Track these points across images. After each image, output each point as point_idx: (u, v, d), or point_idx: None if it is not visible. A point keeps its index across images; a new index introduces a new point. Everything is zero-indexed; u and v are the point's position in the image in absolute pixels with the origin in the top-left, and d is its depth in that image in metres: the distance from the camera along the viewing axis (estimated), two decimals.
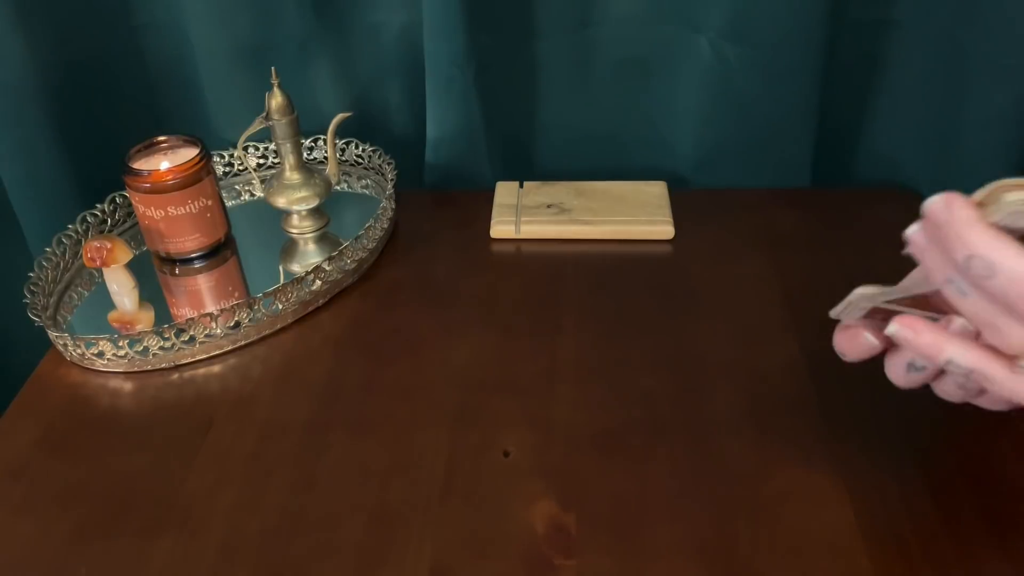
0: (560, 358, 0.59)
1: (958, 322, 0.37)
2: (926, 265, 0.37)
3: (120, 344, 0.59)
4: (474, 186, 0.78)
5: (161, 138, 0.69)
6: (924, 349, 0.38)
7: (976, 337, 0.38)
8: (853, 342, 0.43)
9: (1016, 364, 0.36)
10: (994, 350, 0.37)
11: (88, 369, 0.61)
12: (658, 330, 0.61)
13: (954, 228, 0.34)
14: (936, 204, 0.35)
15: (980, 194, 0.35)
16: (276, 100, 0.68)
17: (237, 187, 0.80)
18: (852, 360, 0.44)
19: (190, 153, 0.67)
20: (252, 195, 0.80)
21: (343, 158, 0.80)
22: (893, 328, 0.38)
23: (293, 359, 0.61)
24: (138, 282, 0.65)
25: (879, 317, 0.43)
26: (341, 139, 0.79)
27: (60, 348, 0.62)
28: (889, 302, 0.41)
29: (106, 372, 0.61)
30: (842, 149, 0.78)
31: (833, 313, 0.44)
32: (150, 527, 0.49)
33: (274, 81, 0.68)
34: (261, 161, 0.81)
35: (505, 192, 0.75)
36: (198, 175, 0.66)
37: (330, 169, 0.73)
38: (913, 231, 0.37)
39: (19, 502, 0.52)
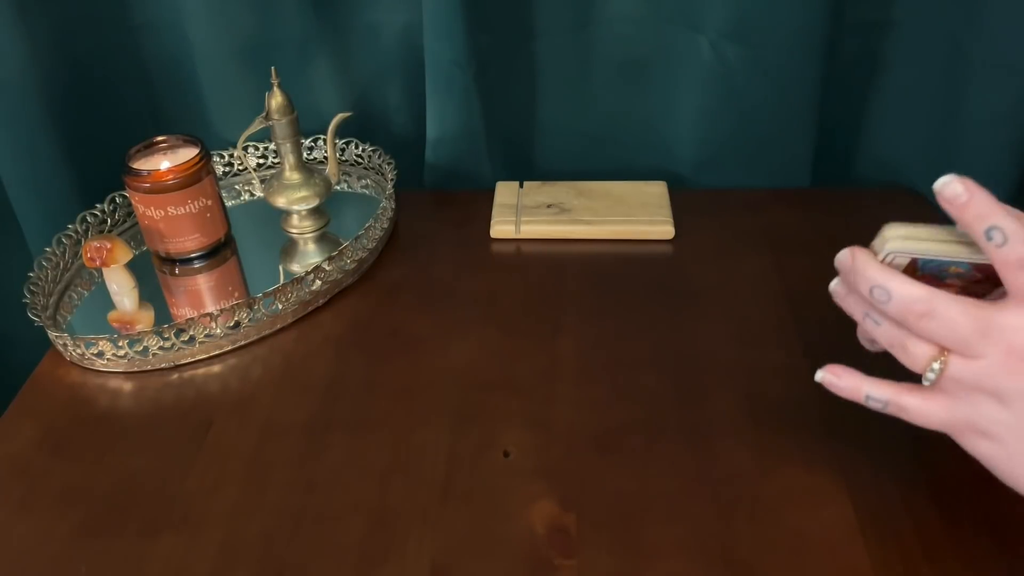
0: (560, 358, 0.59)
1: None
2: (848, 310, 0.44)
3: (120, 344, 0.59)
4: (474, 186, 0.78)
5: (161, 138, 0.69)
6: (846, 391, 0.44)
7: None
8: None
9: (923, 383, 0.42)
10: (908, 385, 0.42)
11: (88, 369, 0.61)
12: (658, 330, 0.61)
13: (858, 270, 0.42)
14: (843, 256, 0.43)
15: (875, 244, 0.43)
16: (276, 100, 0.68)
17: (237, 187, 0.80)
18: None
19: (190, 153, 0.67)
20: (252, 195, 0.80)
21: (343, 158, 0.80)
22: (820, 375, 0.44)
23: (293, 359, 0.61)
24: (138, 282, 0.65)
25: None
26: (341, 139, 0.79)
27: (60, 348, 0.62)
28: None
29: (106, 372, 0.61)
30: (842, 149, 0.78)
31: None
32: (150, 527, 0.49)
33: (274, 81, 0.68)
34: (261, 161, 0.81)
35: (505, 192, 0.75)
36: (198, 175, 0.66)
37: (330, 169, 0.73)
38: (834, 285, 0.44)
39: (19, 502, 0.52)
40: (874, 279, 0.41)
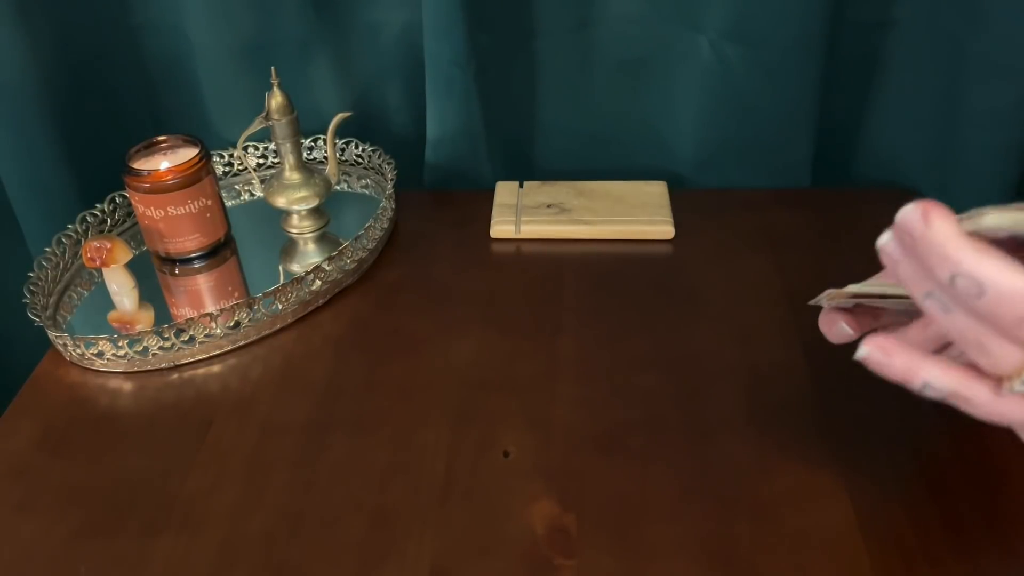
0: (560, 358, 0.59)
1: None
2: (901, 278, 0.35)
3: (120, 344, 0.59)
4: (474, 186, 0.78)
5: (161, 138, 0.69)
6: (898, 374, 0.36)
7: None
8: (831, 328, 0.45)
9: (1001, 386, 0.34)
10: (974, 369, 0.35)
11: (88, 369, 0.61)
12: (658, 330, 0.61)
13: (935, 244, 0.32)
14: (911, 215, 0.32)
15: (966, 216, 0.34)
16: (276, 100, 0.68)
17: (237, 187, 0.80)
18: (835, 342, 0.45)
19: (190, 153, 0.67)
20: (252, 195, 0.80)
21: (343, 158, 0.80)
22: (864, 351, 0.37)
23: (293, 359, 0.61)
24: (138, 282, 0.65)
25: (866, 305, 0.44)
26: (341, 139, 0.79)
27: (60, 348, 0.62)
28: (871, 297, 0.43)
29: (106, 372, 0.61)
30: (842, 149, 0.78)
31: (811, 301, 0.46)
32: (150, 527, 0.50)
33: (274, 81, 0.68)
34: (261, 161, 0.81)
35: (505, 192, 0.75)
36: (198, 175, 0.66)
37: (330, 169, 0.73)
38: (885, 241, 0.35)
39: (19, 502, 0.52)
40: (962, 264, 0.31)
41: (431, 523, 0.49)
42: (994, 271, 0.31)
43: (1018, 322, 0.31)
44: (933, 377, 0.35)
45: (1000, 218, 0.32)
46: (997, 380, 0.34)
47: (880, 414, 0.53)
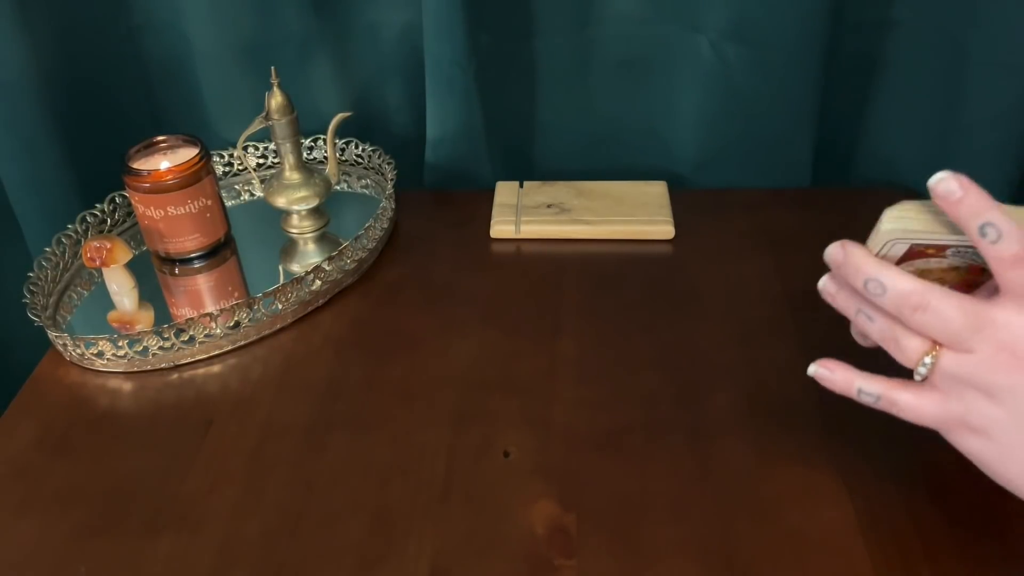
0: (560, 358, 0.59)
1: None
2: (840, 307, 0.44)
3: (120, 344, 0.59)
4: (474, 186, 0.78)
5: (161, 138, 0.69)
6: (839, 385, 0.44)
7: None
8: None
9: (915, 378, 0.42)
10: (900, 380, 0.43)
11: (88, 369, 0.61)
12: (658, 330, 0.61)
13: (851, 263, 0.42)
14: (834, 249, 0.43)
15: (870, 238, 0.43)
16: (276, 100, 0.68)
17: (237, 187, 0.80)
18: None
19: (190, 153, 0.67)
20: (252, 195, 0.80)
21: (343, 158, 0.80)
22: (812, 369, 0.45)
23: (293, 359, 0.61)
24: (138, 282, 0.65)
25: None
26: (341, 139, 0.79)
27: (60, 348, 0.62)
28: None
29: (106, 372, 0.61)
30: (842, 149, 0.78)
31: (820, 285, 0.46)
32: (150, 527, 0.50)
33: (274, 81, 0.68)
34: (261, 161, 0.81)
35: (505, 192, 0.75)
36: (198, 175, 0.66)
37: (330, 169, 0.73)
38: (823, 283, 0.45)
39: (19, 502, 0.52)
40: (868, 272, 0.41)
41: (431, 523, 0.49)
42: (890, 274, 0.41)
43: (912, 310, 0.40)
44: (864, 384, 0.43)
45: (893, 222, 0.41)
46: (913, 381, 0.42)
47: (880, 414, 0.53)
